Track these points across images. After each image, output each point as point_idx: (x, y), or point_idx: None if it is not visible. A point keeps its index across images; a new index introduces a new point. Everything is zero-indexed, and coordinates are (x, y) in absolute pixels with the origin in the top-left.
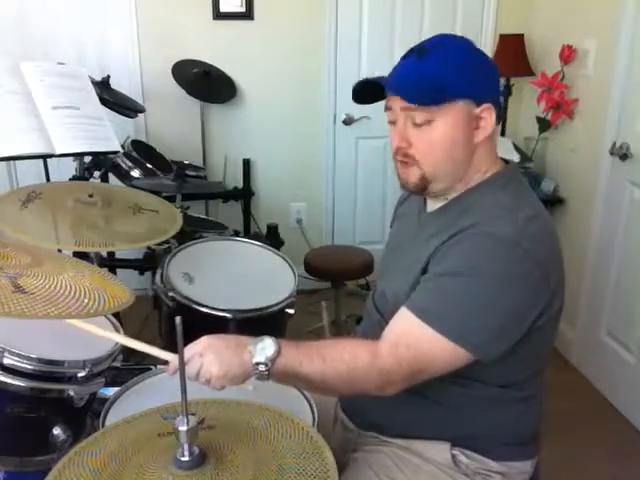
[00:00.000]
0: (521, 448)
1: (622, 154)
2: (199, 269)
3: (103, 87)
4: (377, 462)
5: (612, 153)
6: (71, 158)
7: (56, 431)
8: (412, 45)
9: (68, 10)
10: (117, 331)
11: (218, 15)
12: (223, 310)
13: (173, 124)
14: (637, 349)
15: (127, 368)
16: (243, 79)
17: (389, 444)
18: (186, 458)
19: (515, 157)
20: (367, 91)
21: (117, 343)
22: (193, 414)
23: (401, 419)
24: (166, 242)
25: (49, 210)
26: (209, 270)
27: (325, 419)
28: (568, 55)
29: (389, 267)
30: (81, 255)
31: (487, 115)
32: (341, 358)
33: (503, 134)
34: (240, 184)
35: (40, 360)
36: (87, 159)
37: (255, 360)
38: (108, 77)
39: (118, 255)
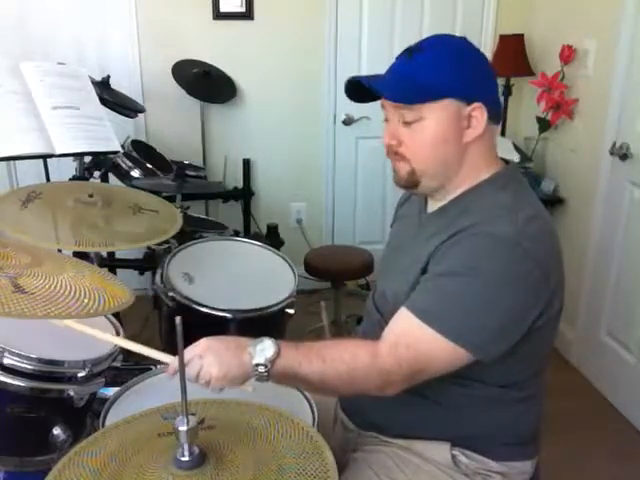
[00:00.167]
0: (521, 448)
1: (622, 154)
2: (199, 269)
3: (103, 87)
4: (377, 462)
5: (612, 153)
6: (71, 158)
7: (56, 431)
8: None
9: (68, 10)
10: (117, 331)
11: (218, 15)
12: (223, 310)
13: (173, 124)
14: (637, 349)
15: (127, 368)
16: (243, 79)
17: (389, 444)
18: (186, 458)
19: (515, 157)
20: (360, 89)
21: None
22: (193, 414)
23: (401, 419)
24: (166, 242)
25: (49, 210)
26: (209, 270)
27: (325, 419)
28: (568, 55)
29: (389, 267)
30: (81, 255)
31: (478, 114)
32: (341, 358)
33: (503, 134)
34: (240, 184)
35: (40, 360)
36: (87, 159)
37: (255, 361)
38: (108, 77)
39: (118, 255)
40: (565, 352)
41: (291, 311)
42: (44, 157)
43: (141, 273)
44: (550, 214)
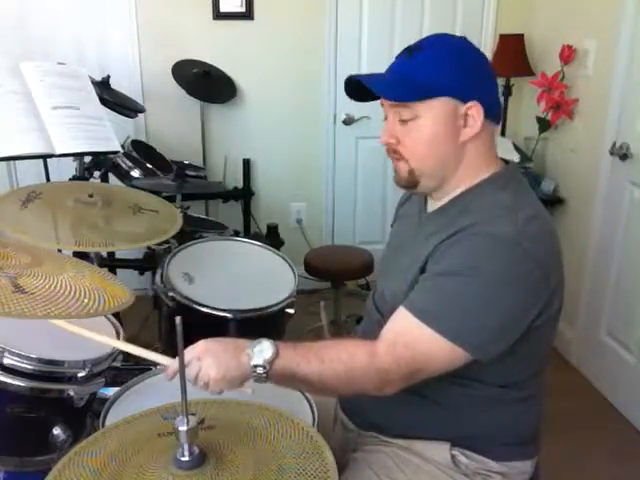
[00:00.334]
0: (521, 448)
1: (622, 154)
2: (199, 269)
3: (103, 87)
4: (377, 462)
5: (612, 153)
6: (71, 158)
7: (56, 431)
8: None
9: (68, 10)
10: (117, 331)
11: (218, 15)
12: (223, 310)
13: (173, 124)
14: (637, 349)
15: (127, 368)
16: (243, 79)
17: (389, 444)
18: (186, 458)
19: (515, 157)
20: (360, 88)
21: None
22: (193, 414)
23: (401, 419)
24: (166, 242)
25: (49, 210)
26: (209, 270)
27: (325, 419)
28: (568, 55)
29: (389, 267)
30: (81, 255)
31: (474, 113)
32: (339, 358)
33: (503, 134)
34: (240, 184)
35: (40, 360)
36: (87, 159)
37: (253, 363)
38: (108, 77)
39: (118, 255)
40: (565, 352)
41: (291, 311)
42: (44, 157)
43: (141, 273)
44: (550, 214)
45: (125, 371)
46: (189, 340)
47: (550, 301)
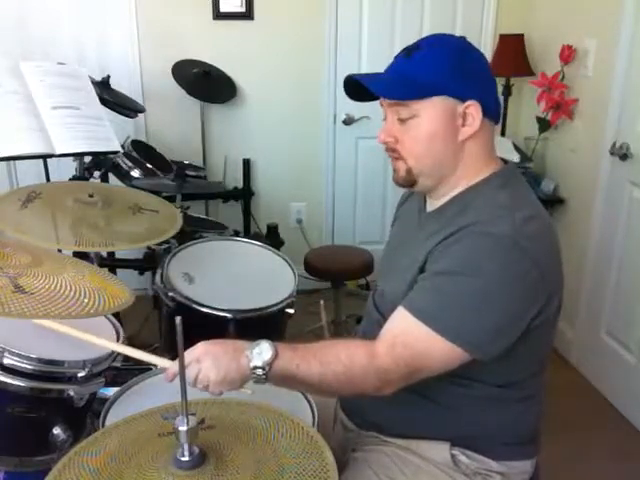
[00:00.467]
0: (521, 448)
1: (622, 154)
2: (199, 269)
3: (103, 87)
4: (377, 462)
5: (612, 153)
6: (71, 158)
7: (56, 431)
8: None
9: (68, 10)
10: (117, 332)
11: (218, 15)
12: (223, 310)
13: (173, 124)
14: (637, 349)
15: (127, 368)
16: (243, 79)
17: (389, 444)
18: (186, 458)
19: (515, 157)
20: (359, 88)
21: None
22: (193, 414)
23: (401, 419)
24: (166, 242)
25: (49, 210)
26: (209, 270)
27: (325, 419)
28: (568, 55)
29: (389, 267)
30: (81, 255)
31: (473, 111)
32: (338, 359)
33: (503, 134)
34: (240, 184)
35: (40, 360)
36: (87, 159)
37: (252, 364)
38: (108, 77)
39: (118, 255)
40: (565, 352)
41: (291, 311)
42: (44, 157)
43: (141, 273)
44: (550, 214)
45: (125, 371)
46: (189, 340)
47: (549, 300)
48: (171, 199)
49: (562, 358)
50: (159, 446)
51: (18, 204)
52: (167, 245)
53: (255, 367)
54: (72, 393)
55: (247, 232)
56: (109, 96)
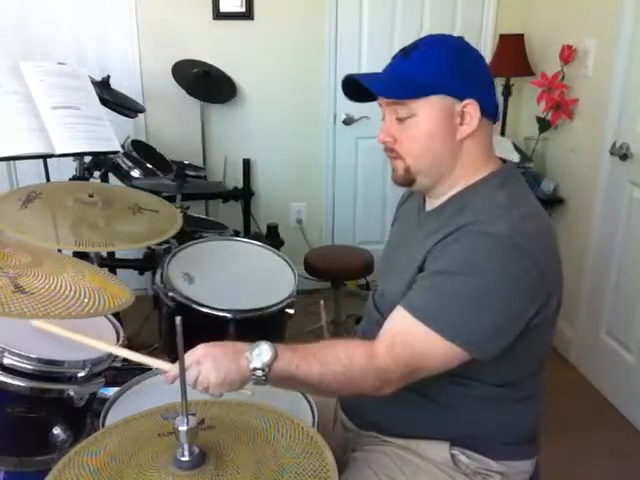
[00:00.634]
0: (520, 448)
1: (622, 154)
2: (199, 269)
3: (103, 87)
4: (377, 462)
5: (612, 153)
6: (71, 158)
7: (56, 431)
8: None
9: (68, 10)
10: (117, 332)
11: (218, 15)
12: (223, 310)
13: (173, 124)
14: (637, 349)
15: (127, 368)
16: (243, 79)
17: (389, 444)
18: (186, 458)
19: (515, 157)
20: (358, 88)
21: (117, 343)
22: (193, 414)
23: (400, 418)
24: (166, 242)
25: (49, 210)
26: (209, 270)
27: (325, 419)
28: (568, 55)
29: (388, 266)
30: (81, 255)
31: (471, 110)
32: (338, 359)
33: (503, 134)
34: (240, 184)
35: (40, 360)
36: (87, 159)
37: (252, 366)
38: (108, 77)
39: (118, 255)
40: (564, 351)
41: (291, 311)
42: (44, 157)
43: (141, 273)
44: (550, 214)
45: (125, 371)
46: (189, 340)
47: (548, 300)
48: (171, 199)
49: (562, 358)
50: (159, 446)
51: (18, 204)
52: (167, 245)
53: (255, 368)
54: (72, 393)
55: (247, 232)
56: (109, 96)
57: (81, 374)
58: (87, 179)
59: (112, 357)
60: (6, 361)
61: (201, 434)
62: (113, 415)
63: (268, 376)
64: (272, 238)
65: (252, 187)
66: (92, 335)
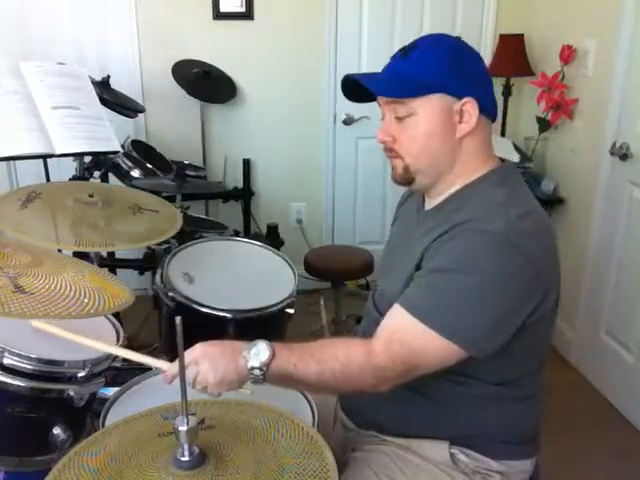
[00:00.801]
0: (520, 447)
1: (622, 154)
2: (199, 269)
3: (103, 87)
4: (377, 461)
5: (612, 153)
6: (71, 158)
7: (56, 431)
8: None
9: (68, 10)
10: (117, 332)
11: (218, 15)
12: (223, 310)
13: (173, 124)
14: (637, 349)
15: (127, 368)
16: (243, 79)
17: (389, 443)
18: (186, 458)
19: (515, 157)
20: (357, 88)
21: (117, 343)
22: (193, 414)
23: (399, 417)
24: (166, 242)
25: (49, 210)
26: (209, 270)
27: (325, 419)
28: (568, 55)
29: (388, 266)
30: (81, 255)
31: (470, 108)
32: (335, 358)
33: (503, 134)
34: (240, 184)
35: (40, 360)
36: (87, 159)
37: (250, 365)
38: (108, 77)
39: (118, 255)
40: (564, 351)
41: (291, 311)
42: (44, 157)
43: (141, 273)
44: (550, 214)
45: (125, 371)
46: (189, 340)
47: (545, 297)
48: (171, 199)
49: (562, 358)
50: (159, 446)
51: (18, 204)
52: (167, 245)
53: (252, 368)
54: (72, 393)
55: (247, 232)
56: (109, 96)
57: (81, 374)
58: (87, 179)
59: (112, 357)
60: (6, 361)
61: (201, 434)
62: (113, 415)
63: (266, 375)
64: (272, 238)
65: (252, 187)
66: (91, 335)
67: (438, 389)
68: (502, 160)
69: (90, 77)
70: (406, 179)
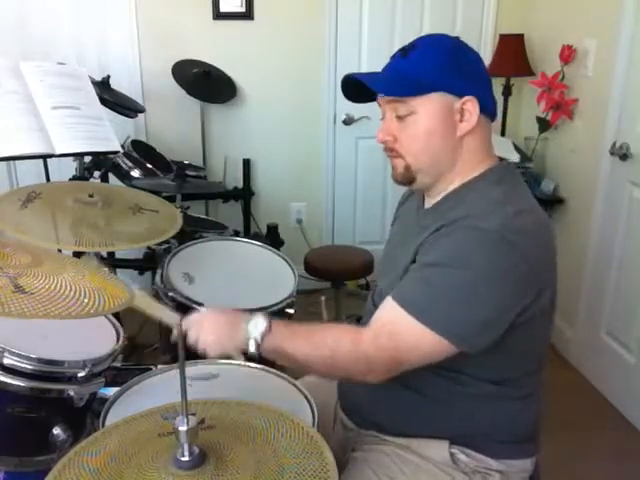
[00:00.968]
0: (520, 446)
1: (622, 154)
2: (199, 269)
3: (103, 87)
4: (377, 461)
5: (612, 153)
6: (71, 158)
7: (56, 431)
8: None
9: (68, 10)
10: (117, 332)
11: (218, 15)
12: None
13: (173, 124)
14: (637, 348)
15: (127, 368)
16: (243, 79)
17: (388, 443)
18: (186, 458)
19: (515, 157)
20: (357, 88)
21: (117, 343)
22: (193, 414)
23: (399, 417)
24: (166, 242)
25: (49, 210)
26: (209, 270)
27: (325, 419)
28: (568, 55)
29: (387, 265)
30: (81, 255)
31: (470, 107)
32: (325, 343)
33: (503, 134)
34: (240, 184)
35: (40, 360)
36: (87, 159)
37: (247, 335)
38: (108, 77)
39: (118, 255)
40: (564, 351)
41: (291, 311)
42: (44, 157)
43: (141, 273)
44: (550, 214)
45: (125, 371)
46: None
47: (539, 295)
48: (171, 199)
49: (562, 358)
50: (159, 446)
51: (18, 204)
52: (167, 245)
53: (249, 338)
54: (72, 393)
55: (247, 232)
56: (109, 96)
57: (81, 374)
58: (87, 179)
59: (112, 357)
60: (6, 361)
61: (201, 434)
62: (113, 415)
63: (261, 346)
64: (272, 238)
65: (252, 187)
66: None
67: (437, 388)
68: (501, 159)
69: (90, 77)
70: (407, 178)
